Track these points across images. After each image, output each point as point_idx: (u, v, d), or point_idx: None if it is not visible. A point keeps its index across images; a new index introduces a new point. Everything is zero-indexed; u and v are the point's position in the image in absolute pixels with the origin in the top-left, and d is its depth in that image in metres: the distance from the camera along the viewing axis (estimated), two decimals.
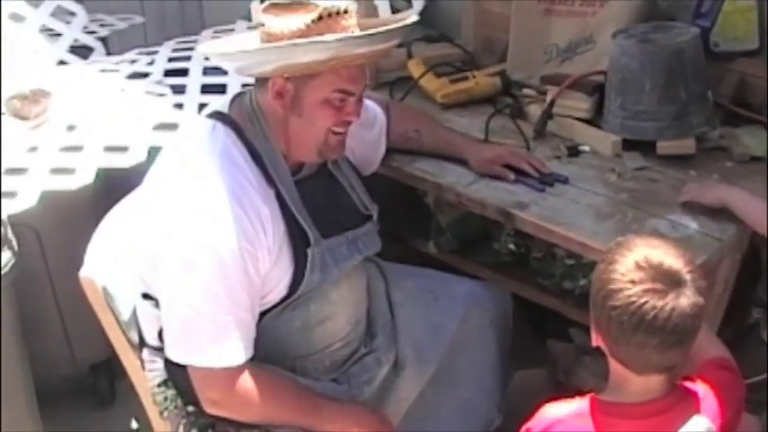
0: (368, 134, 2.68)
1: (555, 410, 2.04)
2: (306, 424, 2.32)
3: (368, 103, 2.64)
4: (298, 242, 2.29)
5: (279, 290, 2.31)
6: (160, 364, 2.44)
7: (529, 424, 2.06)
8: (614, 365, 2.01)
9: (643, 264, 1.90)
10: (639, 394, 1.98)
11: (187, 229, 2.19)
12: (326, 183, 2.46)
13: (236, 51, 2.22)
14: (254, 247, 2.20)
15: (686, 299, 1.88)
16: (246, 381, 2.24)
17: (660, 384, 1.99)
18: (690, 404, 2.00)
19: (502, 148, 2.83)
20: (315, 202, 2.34)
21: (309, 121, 2.26)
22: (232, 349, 2.22)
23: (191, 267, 2.18)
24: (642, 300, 1.87)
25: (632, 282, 1.89)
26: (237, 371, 2.23)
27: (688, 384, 2.04)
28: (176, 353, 2.28)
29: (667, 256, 1.92)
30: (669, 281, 1.89)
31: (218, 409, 2.30)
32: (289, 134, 2.28)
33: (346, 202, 2.49)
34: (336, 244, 2.38)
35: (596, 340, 2.01)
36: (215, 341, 2.21)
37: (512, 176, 2.71)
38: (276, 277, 2.29)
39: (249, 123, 2.29)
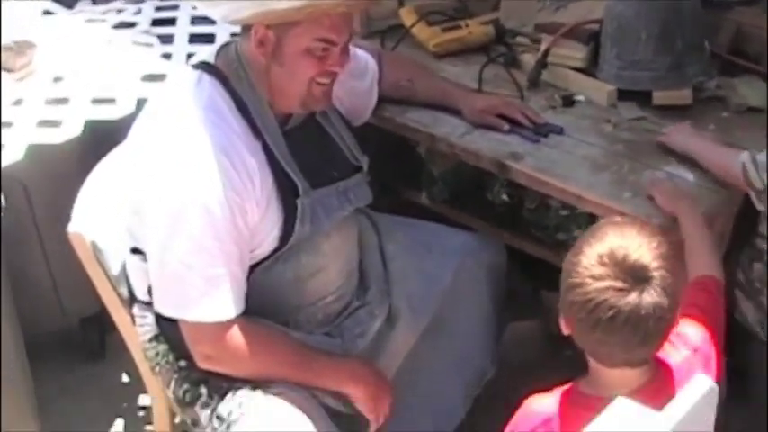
0: (358, 84, 2.65)
1: (539, 407, 1.94)
2: (299, 378, 2.32)
3: (359, 52, 2.62)
4: (287, 193, 2.28)
5: (269, 242, 2.29)
6: (150, 319, 2.43)
7: (514, 422, 1.97)
8: (591, 362, 1.92)
9: (606, 259, 1.79)
10: (614, 387, 1.87)
11: (174, 183, 2.17)
12: (315, 134, 2.44)
13: None
14: (242, 198, 2.19)
15: (649, 298, 1.77)
16: (238, 334, 2.23)
17: (636, 376, 1.89)
18: (669, 385, 1.92)
19: (495, 98, 2.81)
20: (303, 154, 2.32)
21: (291, 71, 2.23)
22: (223, 302, 2.21)
23: (178, 220, 2.16)
24: (601, 297, 1.76)
25: (593, 277, 1.78)
26: (229, 324, 2.22)
27: (663, 357, 1.95)
28: (167, 307, 2.27)
29: (638, 249, 1.80)
30: (633, 277, 1.78)
31: (210, 363, 2.29)
32: (272, 84, 2.26)
33: (335, 152, 2.47)
34: (326, 194, 2.36)
35: (565, 328, 1.91)
36: (206, 294, 2.20)
37: (506, 127, 2.69)
38: (266, 229, 2.27)
39: (235, 74, 2.27)
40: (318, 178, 2.34)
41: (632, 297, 1.76)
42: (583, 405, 1.88)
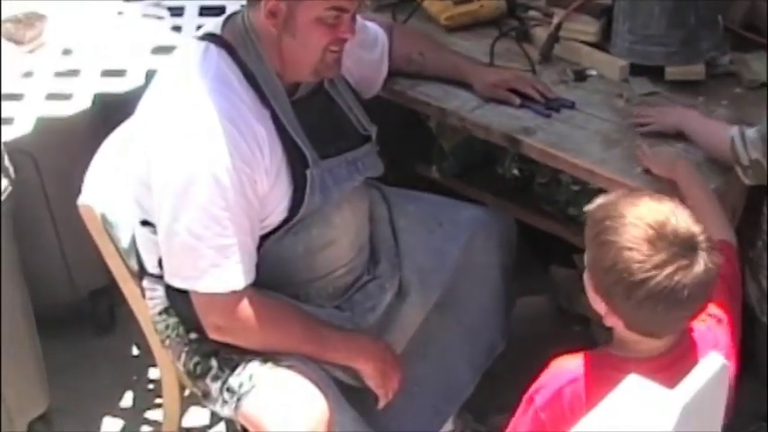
0: (368, 55, 2.65)
1: (567, 366, 1.94)
2: (309, 351, 2.32)
3: (369, 24, 2.63)
4: (296, 164, 2.28)
5: (279, 212, 2.29)
6: (161, 292, 2.43)
7: (541, 380, 1.96)
8: (632, 335, 1.91)
9: (658, 239, 1.78)
10: (649, 351, 1.90)
11: (182, 153, 2.17)
12: (324, 103, 2.43)
13: None
14: (251, 168, 2.19)
15: (706, 260, 1.79)
16: (249, 306, 2.24)
17: (670, 340, 1.92)
18: (692, 350, 1.95)
19: (507, 71, 2.79)
20: (312, 123, 2.32)
21: (303, 41, 2.23)
22: (233, 273, 2.21)
23: (187, 191, 2.16)
24: (674, 281, 1.76)
25: (657, 267, 1.76)
26: (240, 295, 2.23)
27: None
28: (176, 279, 2.27)
29: (675, 219, 1.80)
30: (687, 249, 1.78)
31: (221, 334, 2.29)
32: (283, 54, 2.25)
33: (344, 122, 2.47)
34: (335, 164, 2.36)
35: (608, 319, 1.90)
36: (216, 265, 2.20)
37: (517, 101, 2.68)
38: (275, 199, 2.27)
39: (242, 44, 2.26)
40: (327, 148, 2.34)
41: (697, 264, 1.78)
42: (611, 366, 1.89)
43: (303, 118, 2.30)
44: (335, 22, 2.23)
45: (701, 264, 1.79)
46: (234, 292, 2.22)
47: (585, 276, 1.93)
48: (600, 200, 1.94)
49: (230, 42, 2.26)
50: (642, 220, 1.81)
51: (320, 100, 2.42)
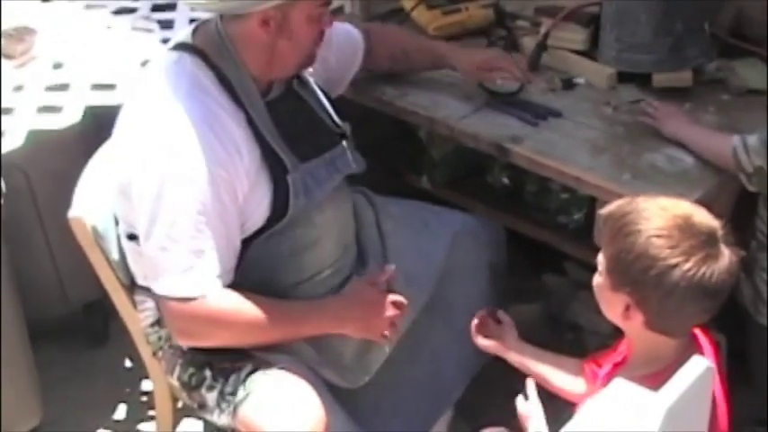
0: (344, 45, 2.68)
1: None
2: (284, 335, 2.32)
3: (344, 25, 2.69)
4: (275, 167, 2.28)
5: (259, 213, 2.29)
6: (151, 304, 2.44)
7: None
8: (647, 339, 1.92)
9: (687, 230, 1.81)
10: (669, 357, 1.90)
11: (158, 157, 2.18)
12: (295, 103, 2.44)
13: None
14: (229, 173, 2.20)
15: (729, 254, 1.82)
16: (214, 307, 2.22)
17: (686, 340, 1.94)
18: (699, 348, 1.96)
19: (490, 51, 2.83)
20: (287, 124, 2.33)
21: (297, 41, 2.27)
22: (206, 277, 2.21)
23: (162, 195, 2.17)
24: (703, 269, 1.79)
25: (686, 253, 1.79)
26: (206, 299, 2.21)
27: None
28: (152, 282, 2.27)
29: (699, 215, 1.84)
30: (712, 241, 1.81)
31: (188, 338, 2.31)
32: (274, 57, 2.27)
33: (317, 120, 2.48)
34: (314, 166, 2.37)
35: (628, 319, 1.90)
36: (189, 268, 2.19)
37: (498, 80, 2.71)
38: (255, 201, 2.27)
39: (216, 51, 2.27)
40: (304, 149, 2.35)
41: (722, 256, 1.81)
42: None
43: (278, 119, 2.31)
44: (320, 16, 2.28)
45: (725, 256, 1.82)
46: (200, 296, 2.20)
47: (598, 279, 1.95)
48: (612, 203, 1.96)
49: (203, 50, 2.27)
50: (667, 211, 1.84)
51: (292, 100, 2.43)
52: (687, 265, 1.79)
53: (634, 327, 1.92)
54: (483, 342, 2.39)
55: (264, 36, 2.24)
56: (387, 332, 2.41)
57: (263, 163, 2.27)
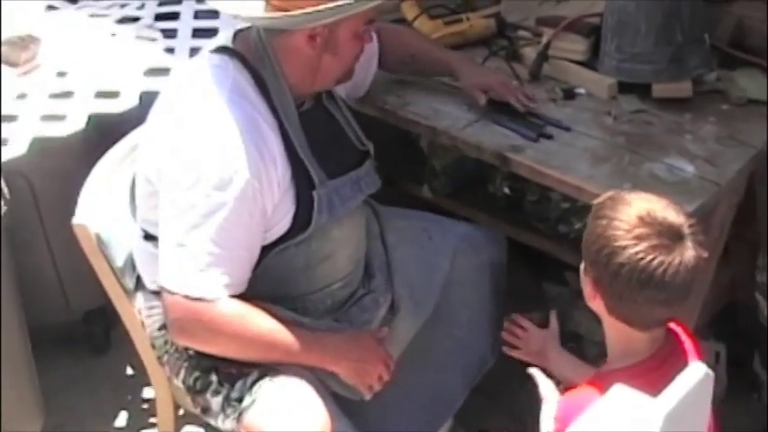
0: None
1: (582, 395, 1.97)
2: (275, 358, 2.31)
3: None
4: (301, 181, 2.29)
5: (281, 225, 2.30)
6: (159, 308, 2.43)
7: (561, 417, 1.98)
8: (615, 328, 1.99)
9: (647, 219, 1.87)
10: (643, 351, 1.97)
11: (201, 155, 2.19)
12: (325, 118, 2.46)
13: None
14: (261, 183, 2.20)
15: (690, 252, 1.87)
16: (220, 314, 2.22)
17: (660, 335, 1.99)
18: (678, 346, 2.01)
19: (493, 76, 2.82)
20: (317, 137, 2.35)
21: (342, 57, 2.32)
22: (216, 284, 2.21)
23: (196, 191, 2.18)
24: (650, 256, 1.84)
25: (638, 238, 1.86)
26: (213, 303, 2.21)
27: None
28: (163, 278, 2.26)
29: (666, 211, 1.89)
30: (672, 236, 1.86)
31: (186, 338, 2.30)
32: (318, 71, 2.31)
33: (343, 137, 2.50)
34: (341, 184, 2.39)
35: (593, 299, 1.98)
36: (202, 271, 2.20)
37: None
38: (281, 213, 2.29)
39: (257, 57, 2.29)
40: (332, 166, 2.36)
41: (677, 253, 1.86)
42: (619, 380, 1.89)
43: (309, 131, 2.33)
44: (364, 33, 2.32)
45: (686, 251, 1.86)
46: (210, 300, 2.21)
47: (582, 266, 2.00)
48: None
49: (244, 55, 2.29)
50: (638, 202, 1.91)
51: (321, 114, 2.45)
52: (635, 249, 1.85)
53: (601, 311, 1.99)
54: (522, 356, 2.48)
55: (310, 50, 2.27)
56: (373, 384, 2.41)
57: (293, 176, 2.28)
